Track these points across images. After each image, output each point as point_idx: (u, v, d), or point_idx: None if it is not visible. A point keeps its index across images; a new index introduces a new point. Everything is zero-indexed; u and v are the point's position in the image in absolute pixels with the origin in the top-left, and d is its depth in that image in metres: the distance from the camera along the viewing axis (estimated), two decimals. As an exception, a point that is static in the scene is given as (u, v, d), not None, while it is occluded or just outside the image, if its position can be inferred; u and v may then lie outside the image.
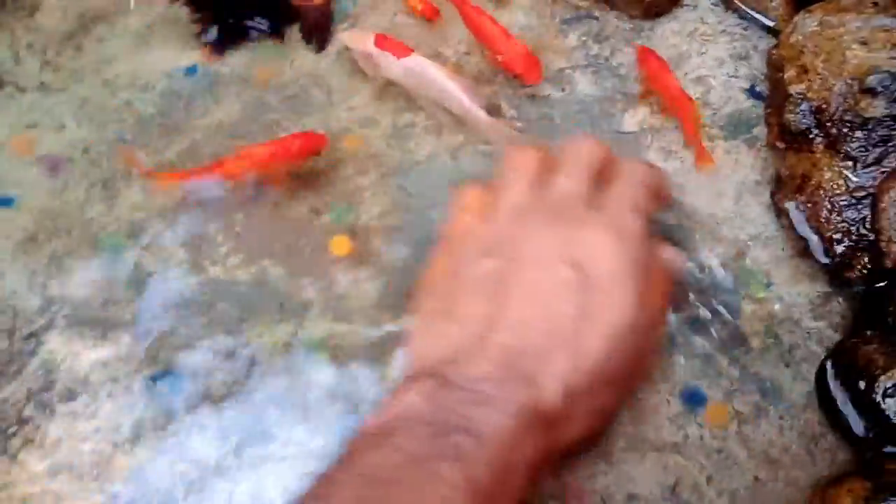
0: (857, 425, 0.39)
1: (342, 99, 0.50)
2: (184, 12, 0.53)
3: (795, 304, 0.44)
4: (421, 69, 0.45)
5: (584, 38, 0.52)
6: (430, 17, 0.51)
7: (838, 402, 0.40)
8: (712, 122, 0.49)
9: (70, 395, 0.42)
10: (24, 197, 0.47)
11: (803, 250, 0.44)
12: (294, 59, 0.52)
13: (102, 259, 0.45)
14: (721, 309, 0.44)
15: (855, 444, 0.40)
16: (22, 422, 0.41)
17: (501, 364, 0.32)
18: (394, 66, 0.46)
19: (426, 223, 0.45)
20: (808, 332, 0.43)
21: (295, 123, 0.49)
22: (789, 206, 0.44)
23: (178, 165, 0.47)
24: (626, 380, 0.36)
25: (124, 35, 0.52)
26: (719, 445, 0.41)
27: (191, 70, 0.51)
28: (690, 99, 0.48)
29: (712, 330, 0.43)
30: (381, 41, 0.46)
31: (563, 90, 0.50)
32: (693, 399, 0.41)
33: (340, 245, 0.45)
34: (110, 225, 0.46)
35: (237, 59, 0.52)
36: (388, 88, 0.49)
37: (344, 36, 0.49)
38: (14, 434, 0.41)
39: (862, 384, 0.39)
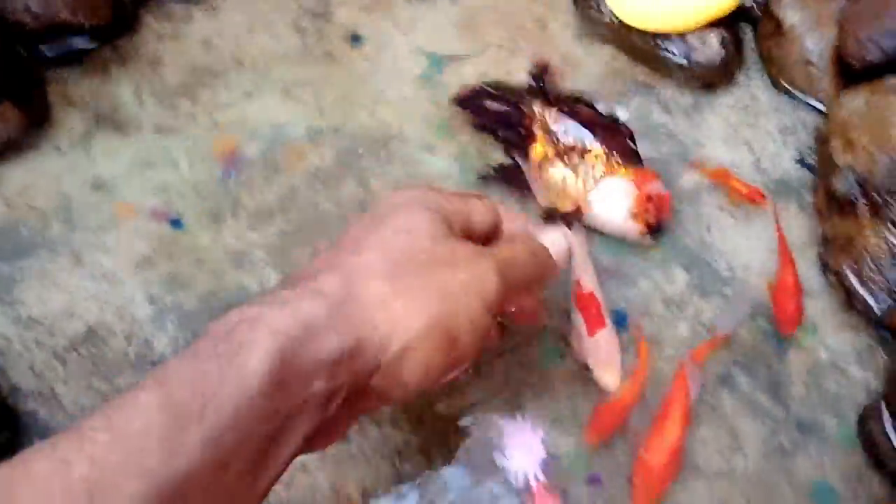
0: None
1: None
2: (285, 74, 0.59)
3: (841, 353, 0.47)
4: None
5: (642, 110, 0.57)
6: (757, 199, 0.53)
7: (880, 448, 0.43)
8: (764, 186, 0.53)
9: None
10: (140, 226, 0.52)
11: (848, 305, 0.47)
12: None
13: (209, 276, 0.50)
14: (768, 352, 0.47)
15: (897, 486, 0.42)
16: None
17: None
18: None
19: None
20: (851, 379, 0.47)
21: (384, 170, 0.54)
22: (835, 264, 0.48)
23: (276, 208, 0.53)
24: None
25: (235, 88, 0.58)
26: (765, 478, 0.43)
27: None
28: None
29: (759, 372, 0.47)
30: None
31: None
32: None
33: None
34: (217, 251, 0.51)
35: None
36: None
37: None
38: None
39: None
